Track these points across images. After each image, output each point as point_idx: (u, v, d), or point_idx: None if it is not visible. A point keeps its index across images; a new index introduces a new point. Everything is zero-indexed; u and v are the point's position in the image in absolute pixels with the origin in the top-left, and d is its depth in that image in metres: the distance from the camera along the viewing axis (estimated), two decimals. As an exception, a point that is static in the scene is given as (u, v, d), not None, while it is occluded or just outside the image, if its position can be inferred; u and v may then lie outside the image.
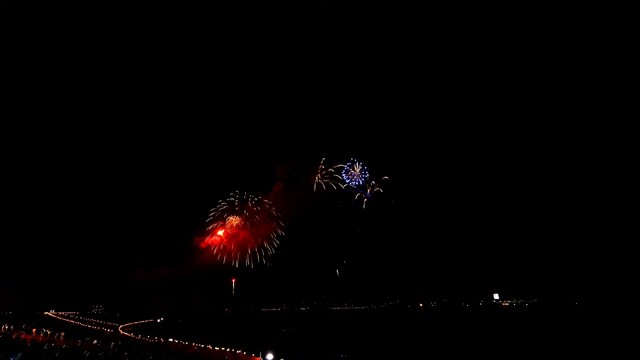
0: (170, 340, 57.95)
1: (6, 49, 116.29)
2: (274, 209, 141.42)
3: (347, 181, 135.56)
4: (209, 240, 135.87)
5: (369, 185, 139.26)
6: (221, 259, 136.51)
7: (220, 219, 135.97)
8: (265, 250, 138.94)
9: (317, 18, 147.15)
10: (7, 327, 42.39)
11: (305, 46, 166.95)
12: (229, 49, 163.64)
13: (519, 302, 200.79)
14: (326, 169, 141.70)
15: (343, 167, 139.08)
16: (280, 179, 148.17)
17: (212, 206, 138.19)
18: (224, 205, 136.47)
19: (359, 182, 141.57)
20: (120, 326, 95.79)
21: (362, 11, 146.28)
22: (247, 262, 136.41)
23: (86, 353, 30.46)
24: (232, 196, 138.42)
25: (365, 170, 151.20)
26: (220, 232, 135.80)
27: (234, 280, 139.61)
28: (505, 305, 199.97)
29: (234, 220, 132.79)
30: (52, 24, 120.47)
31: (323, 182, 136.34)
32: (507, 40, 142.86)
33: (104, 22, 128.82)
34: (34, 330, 45.62)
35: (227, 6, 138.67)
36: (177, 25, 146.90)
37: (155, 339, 59.80)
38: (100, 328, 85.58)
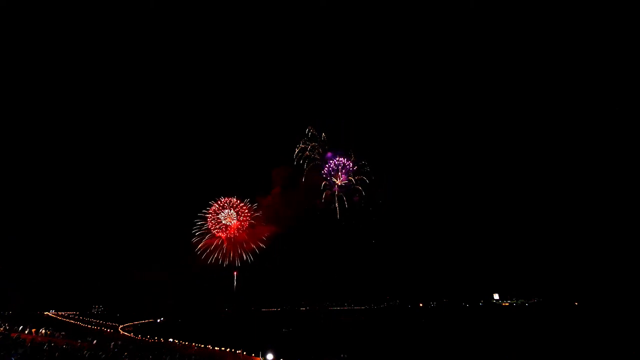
0: (170, 340, 57.89)
1: (6, 48, 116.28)
2: (272, 211, 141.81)
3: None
4: (207, 241, 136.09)
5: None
6: (220, 259, 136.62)
7: (216, 221, 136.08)
8: (263, 252, 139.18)
9: (316, 21, 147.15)
10: (7, 327, 42.40)
11: (305, 50, 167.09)
12: (226, 54, 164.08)
13: (519, 302, 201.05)
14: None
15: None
16: (278, 182, 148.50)
17: (211, 206, 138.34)
18: (219, 208, 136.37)
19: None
20: (120, 326, 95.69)
21: (360, 14, 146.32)
22: (247, 258, 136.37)
23: (86, 353, 30.46)
24: (229, 201, 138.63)
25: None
26: (217, 233, 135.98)
27: (235, 273, 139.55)
28: (505, 305, 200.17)
29: (229, 221, 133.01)
30: (51, 24, 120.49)
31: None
32: (506, 40, 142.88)
33: (102, 21, 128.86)
34: (33, 330, 45.63)
35: (226, 9, 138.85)
36: (176, 28, 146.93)
37: (155, 339, 59.71)
38: (100, 328, 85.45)
